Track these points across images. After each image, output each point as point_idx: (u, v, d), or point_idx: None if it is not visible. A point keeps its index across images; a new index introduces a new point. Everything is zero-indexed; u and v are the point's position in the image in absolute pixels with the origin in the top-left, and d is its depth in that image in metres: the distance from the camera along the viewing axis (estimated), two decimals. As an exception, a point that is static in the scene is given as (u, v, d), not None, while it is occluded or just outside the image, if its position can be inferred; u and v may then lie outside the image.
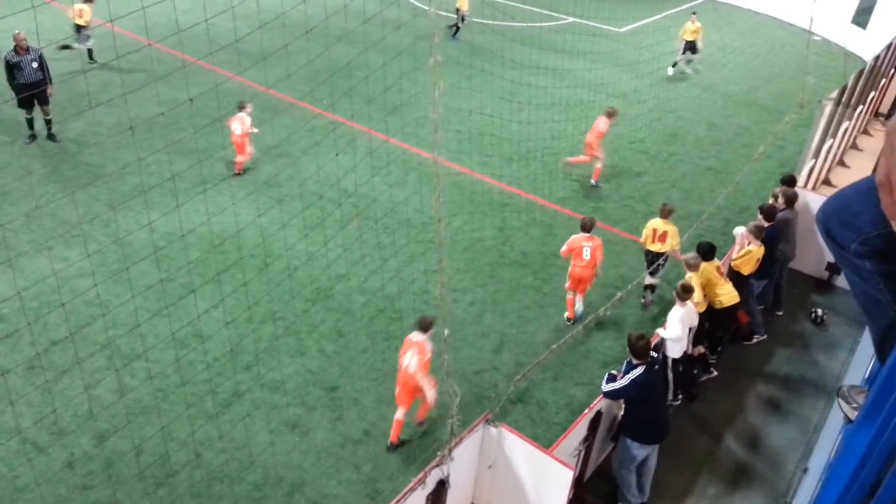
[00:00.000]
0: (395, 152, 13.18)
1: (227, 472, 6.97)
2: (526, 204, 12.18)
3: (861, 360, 7.74)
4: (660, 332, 7.79)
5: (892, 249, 1.83)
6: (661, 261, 9.44)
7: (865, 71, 12.72)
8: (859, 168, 13.29)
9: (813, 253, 10.47)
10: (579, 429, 6.56)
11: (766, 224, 8.85)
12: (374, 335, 8.88)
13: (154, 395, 7.65)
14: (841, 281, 10.42)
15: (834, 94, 11.62)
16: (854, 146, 14.41)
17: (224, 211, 10.26)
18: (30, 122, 12.50)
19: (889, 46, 14.34)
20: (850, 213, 1.90)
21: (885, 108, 15.95)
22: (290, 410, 7.75)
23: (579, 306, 9.39)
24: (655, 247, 9.43)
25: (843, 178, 12.70)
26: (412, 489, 5.46)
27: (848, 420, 2.76)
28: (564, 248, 9.20)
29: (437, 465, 5.67)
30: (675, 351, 7.75)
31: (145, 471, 6.86)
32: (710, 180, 13.62)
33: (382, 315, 9.26)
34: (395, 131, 13.45)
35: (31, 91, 11.89)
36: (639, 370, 6.55)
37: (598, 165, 12.83)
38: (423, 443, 7.43)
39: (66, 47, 15.51)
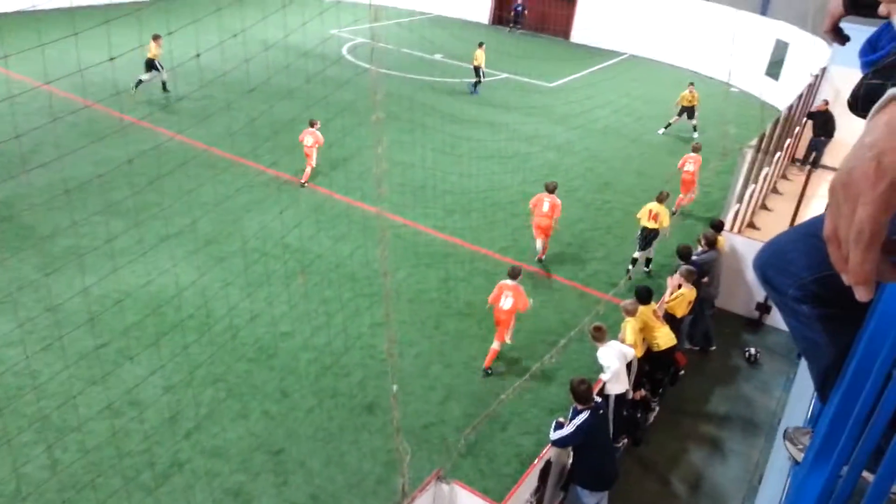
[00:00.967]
0: (339, 207, 13.25)
1: (170, 546, 6.69)
2: (468, 254, 12.38)
3: (797, 398, 8.09)
4: (602, 376, 7.97)
5: (827, 294, 1.90)
6: (652, 235, 11.60)
7: (780, 120, 13.60)
8: (780, 211, 14.06)
9: (743, 293, 10.96)
10: (530, 479, 6.60)
11: (689, 266, 9.27)
12: (321, 393, 8.77)
13: (88, 469, 7.32)
14: (771, 320, 10.92)
15: (753, 142, 12.38)
16: (774, 190, 15.28)
17: (163, 272, 10.06)
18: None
19: (800, 96, 15.42)
20: (785, 260, 1.97)
21: (800, 154, 17.00)
22: (233, 478, 7.53)
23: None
24: (650, 224, 11.57)
25: (766, 221, 13.41)
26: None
27: (795, 461, 2.80)
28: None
29: (389, 526, 5.61)
30: (616, 388, 7.90)
31: (81, 549, 6.52)
32: (643, 226, 14.14)
33: (329, 372, 9.17)
34: (339, 186, 13.55)
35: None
36: (584, 415, 6.68)
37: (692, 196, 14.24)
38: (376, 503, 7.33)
39: (139, 82, 17.12)
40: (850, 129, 14.12)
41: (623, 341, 8.11)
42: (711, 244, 10.05)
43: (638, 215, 11.86)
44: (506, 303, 9.43)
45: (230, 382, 8.76)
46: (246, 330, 9.64)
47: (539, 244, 12.05)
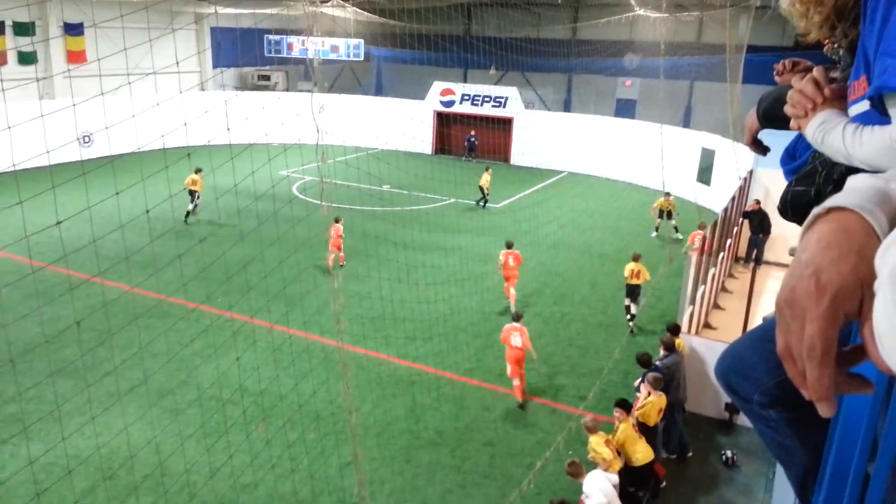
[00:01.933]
0: (300, 344, 13.03)
1: None
2: (434, 380, 12.19)
3: (780, 500, 7.93)
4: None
5: (791, 397, 1.90)
6: (637, 290, 14.20)
7: (719, 222, 14.25)
8: (733, 309, 14.40)
9: (710, 395, 10.97)
10: None
11: (656, 373, 9.29)
12: (291, 547, 8.21)
13: None
14: (742, 420, 10.87)
15: (696, 246, 12.87)
16: (724, 289, 15.73)
17: (115, 432, 9.56)
18: None
19: (732, 199, 16.27)
20: (746, 366, 1.96)
21: (742, 252, 17.70)
22: None
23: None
24: (634, 281, 14.19)
25: (721, 320, 13.69)
26: None
27: None
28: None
29: None
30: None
31: None
32: (602, 335, 14.28)
33: (297, 523, 8.64)
34: (297, 323, 13.39)
35: None
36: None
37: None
38: None
39: (189, 214, 19.83)
40: (786, 225, 14.89)
41: (605, 465, 7.91)
42: (670, 348, 10.15)
43: (625, 274, 14.45)
44: (515, 340, 11.33)
45: (191, 546, 8.14)
46: (206, 487, 9.09)
47: (512, 293, 14.23)
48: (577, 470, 7.59)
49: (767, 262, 16.47)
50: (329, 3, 29.84)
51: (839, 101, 1.49)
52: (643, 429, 8.89)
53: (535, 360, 11.78)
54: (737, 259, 17.55)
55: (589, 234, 21.17)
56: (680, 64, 27.44)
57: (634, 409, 9.21)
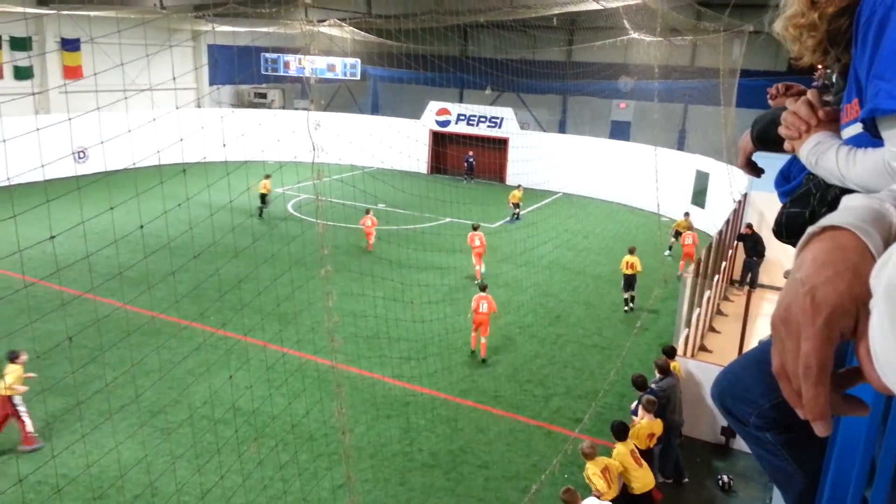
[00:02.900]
0: (293, 363, 12.91)
1: None
2: (428, 401, 12.09)
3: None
4: None
5: (788, 419, 1.86)
6: (632, 279, 16.50)
7: (713, 245, 14.29)
8: (728, 332, 14.40)
9: (706, 419, 10.92)
10: None
11: (650, 397, 9.23)
12: (282, 571, 8.06)
13: None
14: (738, 444, 10.82)
15: (691, 268, 12.89)
16: (719, 312, 15.74)
17: (105, 451, 9.42)
18: None
19: (727, 222, 16.34)
20: (742, 388, 1.95)
21: (736, 275, 17.74)
22: None
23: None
24: (629, 272, 16.42)
25: (716, 343, 13.68)
26: None
27: None
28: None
29: None
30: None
31: None
32: (597, 357, 14.23)
33: (289, 546, 8.50)
34: (291, 342, 13.30)
35: None
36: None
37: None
38: None
39: (261, 210, 23.26)
40: (780, 248, 14.94)
41: (598, 494, 7.82)
42: (665, 371, 10.10)
43: (621, 266, 16.62)
44: (483, 307, 13.46)
45: (180, 570, 7.99)
46: (197, 508, 8.95)
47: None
48: (573, 498, 7.51)
49: (762, 286, 16.51)
50: (326, 23, 30.03)
51: (833, 123, 1.52)
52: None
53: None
54: (731, 282, 17.59)
55: (584, 255, 21.19)
56: (674, 87, 27.70)
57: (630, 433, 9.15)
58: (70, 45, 28.54)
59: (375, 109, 38.59)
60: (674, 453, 10.04)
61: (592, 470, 7.97)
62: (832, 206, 1.63)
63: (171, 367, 12.09)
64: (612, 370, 13.24)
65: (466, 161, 32.30)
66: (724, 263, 15.76)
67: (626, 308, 16.73)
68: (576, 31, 34.14)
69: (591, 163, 29.45)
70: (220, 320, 13.59)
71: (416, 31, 28.00)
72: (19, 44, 27.06)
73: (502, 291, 17.51)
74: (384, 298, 14.16)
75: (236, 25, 30.48)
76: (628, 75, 31.50)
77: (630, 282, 16.59)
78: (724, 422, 10.88)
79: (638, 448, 8.86)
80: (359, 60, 34.62)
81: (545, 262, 20.03)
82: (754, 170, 2.12)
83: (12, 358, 10.19)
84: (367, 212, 20.51)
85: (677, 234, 21.19)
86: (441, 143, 33.25)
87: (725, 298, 16.57)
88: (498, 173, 32.49)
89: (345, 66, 34.45)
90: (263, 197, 23.36)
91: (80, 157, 25.35)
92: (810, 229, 0.93)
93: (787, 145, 1.61)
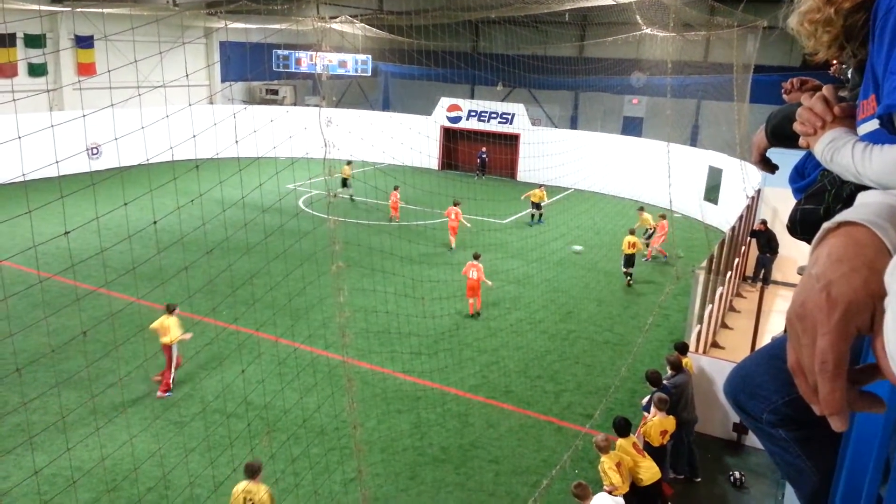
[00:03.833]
0: (305, 358, 12.98)
1: None
2: (439, 396, 12.11)
3: (787, 520, 7.82)
4: None
5: (802, 416, 1.86)
6: (632, 257, 17.91)
7: (726, 241, 14.21)
8: (741, 328, 14.33)
9: (718, 415, 10.87)
10: None
11: (662, 394, 9.19)
12: (294, 564, 8.12)
13: None
14: (750, 440, 10.77)
15: (704, 264, 12.82)
16: (731, 308, 15.65)
17: (119, 444, 9.51)
18: None
19: (740, 218, 16.24)
20: (755, 384, 1.95)
21: (749, 271, 17.64)
22: None
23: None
24: (630, 251, 17.92)
25: (729, 339, 13.62)
26: None
27: None
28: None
29: None
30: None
31: None
32: (609, 353, 14.19)
33: (301, 539, 8.56)
34: (302, 337, 13.36)
35: None
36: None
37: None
38: None
39: (350, 196, 24.97)
40: (794, 245, 14.83)
41: (611, 488, 7.81)
42: (677, 367, 10.05)
43: (622, 247, 18.12)
44: (473, 274, 14.95)
45: (193, 562, 8.06)
46: (209, 501, 9.02)
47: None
48: (584, 492, 7.50)
49: (775, 282, 16.40)
50: (338, 19, 30.08)
51: (848, 119, 1.50)
52: (648, 449, 8.79)
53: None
54: (744, 278, 17.48)
55: (595, 251, 21.12)
56: (687, 82, 27.51)
57: (641, 428, 9.13)
58: (84, 42, 28.77)
59: (387, 105, 38.62)
60: (685, 449, 10.00)
61: (608, 464, 7.96)
62: (847, 202, 1.62)
63: (184, 361, 12.18)
64: (623, 366, 13.20)
65: (479, 157, 32.23)
66: (736, 260, 15.67)
67: (630, 281, 18.24)
68: (588, 27, 33.96)
69: (603, 159, 29.33)
70: (232, 315, 13.66)
71: (427, 27, 27.97)
72: (34, 41, 27.31)
73: (513, 287, 17.52)
74: (395, 294, 14.19)
75: (248, 22, 30.60)
76: (641, 71, 31.31)
77: (631, 260, 18.06)
78: (736, 418, 10.83)
79: (651, 445, 8.84)
80: (370, 57, 34.64)
81: (556, 259, 19.99)
82: (769, 166, 2.12)
83: (171, 310, 11.52)
84: (395, 188, 22.42)
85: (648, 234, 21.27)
86: (452, 139, 33.22)
87: (738, 295, 16.48)
88: (509, 169, 32.43)
89: (356, 63, 34.48)
90: (345, 181, 24.96)
91: (93, 154, 25.57)
92: (826, 225, 0.93)
93: (802, 141, 1.60)
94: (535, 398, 12.19)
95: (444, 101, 33.27)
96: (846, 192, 1.65)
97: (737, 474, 10.01)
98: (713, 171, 25.00)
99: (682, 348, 10.70)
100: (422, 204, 24.14)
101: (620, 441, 8.32)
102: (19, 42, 27.02)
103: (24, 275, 15.61)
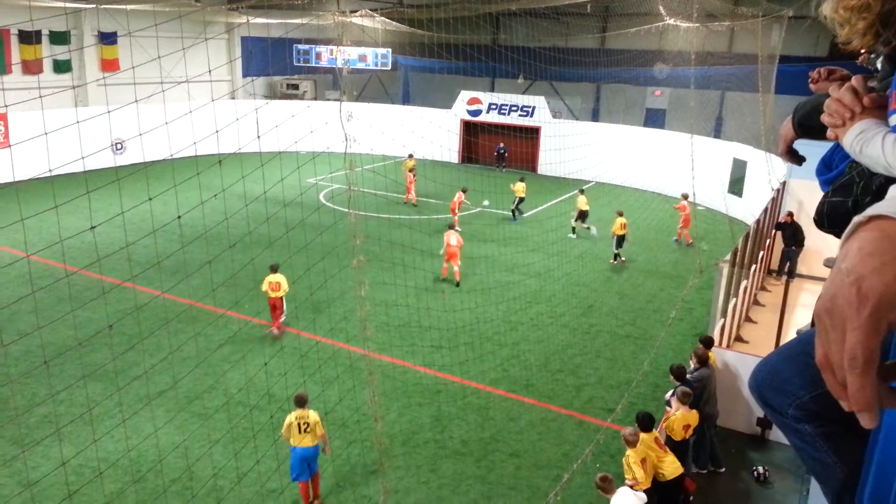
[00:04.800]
0: (326, 351, 13.06)
1: None
2: (459, 389, 12.12)
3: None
4: None
5: (828, 411, 1.84)
6: (623, 239, 18.78)
7: (751, 233, 14.01)
8: (765, 322, 14.14)
9: (742, 410, 10.75)
10: None
11: (685, 388, 9.10)
12: (316, 555, 8.18)
13: None
14: (774, 435, 10.64)
15: (728, 257, 12.65)
16: (756, 302, 15.44)
17: (144, 436, 9.65)
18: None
19: (765, 210, 16.00)
20: (781, 379, 1.94)
21: (774, 265, 17.38)
22: None
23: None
24: (621, 232, 18.71)
25: (753, 333, 13.44)
26: None
27: None
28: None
29: None
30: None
31: None
32: (631, 347, 14.10)
33: (323, 530, 8.62)
34: (324, 330, 13.45)
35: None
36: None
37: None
38: None
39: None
40: (820, 238, 14.58)
41: (633, 482, 7.75)
42: (703, 361, 9.95)
43: (612, 229, 18.86)
44: (452, 240, 16.20)
45: (217, 552, 8.16)
46: (233, 492, 9.13)
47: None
48: (609, 486, 7.47)
49: (801, 275, 16.14)
50: (358, 13, 30.09)
51: (878, 110, 1.47)
52: (670, 443, 8.72)
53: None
54: (769, 272, 17.24)
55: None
56: (710, 73, 27.14)
57: (663, 422, 9.05)
58: (107, 38, 29.12)
59: (407, 99, 38.61)
60: (707, 443, 9.91)
61: (634, 458, 7.91)
62: (877, 195, 1.60)
63: (208, 354, 12.32)
64: (645, 361, 13.11)
65: (497, 151, 32.13)
66: (761, 253, 15.45)
67: (621, 260, 19.15)
68: (610, 18, 33.61)
69: (626, 151, 29.07)
70: (254, 308, 13.79)
71: (447, 20, 27.89)
72: (59, 38, 27.70)
73: (533, 281, 17.46)
74: (415, 288, 14.22)
75: (269, 17, 30.73)
76: (663, 62, 30.93)
77: (621, 241, 18.91)
78: (759, 412, 10.70)
79: (673, 440, 8.76)
80: (390, 50, 34.64)
81: (577, 252, 19.89)
82: (795, 158, 2.08)
83: (275, 269, 13.24)
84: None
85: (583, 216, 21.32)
86: (472, 132, 33.14)
87: (763, 288, 16.24)
88: (530, 162, 32.29)
89: (376, 57, 34.52)
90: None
91: (117, 149, 25.90)
92: (856, 219, 0.92)
93: (830, 133, 1.57)
94: (556, 392, 12.15)
95: (465, 95, 33.20)
96: (875, 184, 1.62)
97: (760, 469, 9.90)
98: (737, 163, 24.67)
99: (708, 342, 10.58)
100: (442, 198, 24.13)
101: (643, 436, 8.26)
102: (45, 39, 27.42)
103: (51, 269, 15.88)
